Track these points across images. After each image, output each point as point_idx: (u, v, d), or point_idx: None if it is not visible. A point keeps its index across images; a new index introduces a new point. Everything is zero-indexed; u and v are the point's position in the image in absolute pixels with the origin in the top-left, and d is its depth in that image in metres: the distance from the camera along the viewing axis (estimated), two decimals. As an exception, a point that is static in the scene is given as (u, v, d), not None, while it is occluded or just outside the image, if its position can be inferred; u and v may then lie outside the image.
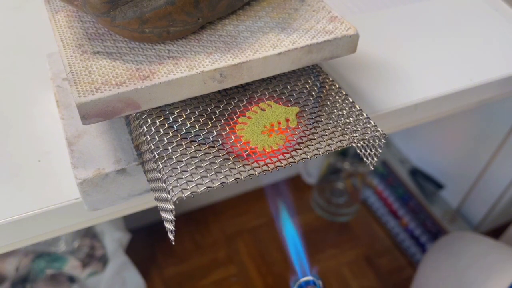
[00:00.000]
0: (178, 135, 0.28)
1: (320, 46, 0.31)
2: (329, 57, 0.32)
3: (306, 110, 0.31)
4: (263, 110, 0.30)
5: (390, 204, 1.01)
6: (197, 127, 0.28)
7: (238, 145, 0.28)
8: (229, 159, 0.27)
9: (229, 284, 0.91)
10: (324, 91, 0.32)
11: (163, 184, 0.25)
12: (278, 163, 0.27)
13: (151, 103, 0.28)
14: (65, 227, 0.34)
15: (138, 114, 0.29)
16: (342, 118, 0.30)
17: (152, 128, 0.28)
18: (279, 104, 0.31)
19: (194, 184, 0.25)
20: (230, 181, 0.26)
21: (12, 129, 0.36)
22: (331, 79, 0.33)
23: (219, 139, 0.28)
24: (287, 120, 0.30)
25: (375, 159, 0.30)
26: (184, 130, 0.28)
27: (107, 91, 0.26)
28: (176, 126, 0.28)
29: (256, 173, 0.26)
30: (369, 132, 0.29)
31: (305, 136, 0.29)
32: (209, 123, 0.29)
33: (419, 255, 0.95)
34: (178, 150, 0.27)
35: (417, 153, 1.00)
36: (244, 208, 1.04)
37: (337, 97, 0.31)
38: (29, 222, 0.31)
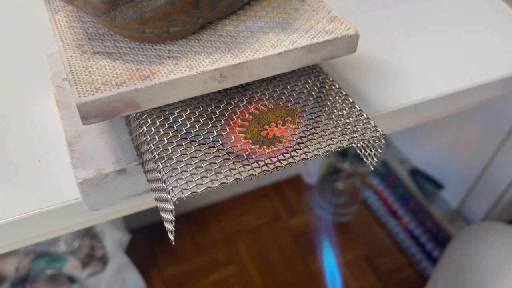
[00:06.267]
0: (178, 135, 0.28)
1: (320, 46, 0.31)
2: (329, 57, 0.32)
3: (306, 110, 0.31)
4: (263, 110, 0.30)
5: (390, 204, 1.01)
6: (197, 127, 0.28)
7: (238, 145, 0.28)
8: (229, 159, 0.27)
9: (229, 284, 0.91)
10: (324, 91, 0.32)
11: (163, 184, 0.25)
12: (278, 163, 0.27)
13: (151, 103, 0.28)
14: (65, 227, 0.34)
15: (138, 114, 0.29)
16: (342, 119, 0.30)
17: (152, 128, 0.28)
18: (279, 104, 0.31)
19: (194, 184, 0.25)
20: (230, 181, 0.26)
21: (12, 129, 0.36)
22: (331, 79, 0.33)
23: (219, 139, 0.28)
24: (287, 120, 0.30)
25: (375, 159, 0.30)
26: (184, 130, 0.28)
27: (107, 91, 0.26)
28: (176, 126, 0.28)
29: (256, 173, 0.26)
30: (369, 132, 0.29)
31: (305, 136, 0.29)
32: (209, 123, 0.29)
33: (419, 255, 0.95)
34: (178, 150, 0.27)
35: (417, 153, 1.00)
36: (244, 208, 1.04)
37: (337, 97, 0.31)
38: (29, 222, 0.31)
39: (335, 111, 0.31)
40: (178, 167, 0.26)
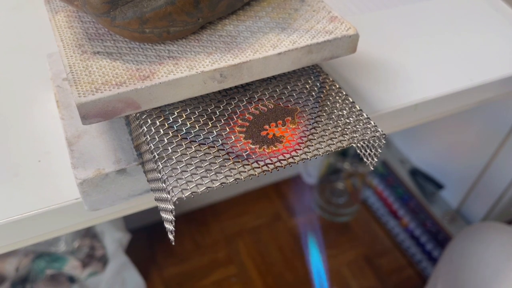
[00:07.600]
0: (178, 135, 0.28)
1: (320, 46, 0.31)
2: (329, 57, 0.32)
3: (306, 110, 0.31)
4: (263, 110, 0.30)
5: (390, 204, 1.01)
6: (197, 127, 0.28)
7: (238, 145, 0.28)
8: (229, 159, 0.27)
9: (229, 284, 0.91)
10: (324, 91, 0.32)
11: (163, 184, 0.25)
12: (278, 163, 0.27)
13: (151, 103, 0.28)
14: (65, 227, 0.34)
15: (138, 114, 0.29)
16: (342, 118, 0.30)
17: (152, 128, 0.28)
18: (279, 104, 0.31)
19: (194, 184, 0.25)
20: (230, 181, 0.26)
21: (12, 129, 0.36)
22: (331, 79, 0.33)
23: (219, 139, 0.28)
24: (287, 120, 0.30)
25: (375, 159, 0.30)
26: (184, 130, 0.28)
27: (107, 91, 0.26)
28: (176, 126, 0.28)
29: (256, 173, 0.26)
30: (369, 132, 0.29)
31: (305, 136, 0.29)
32: (209, 123, 0.29)
33: (419, 255, 0.95)
34: (178, 150, 0.27)
35: (417, 153, 1.00)
36: (244, 208, 1.04)
37: (337, 97, 0.31)
38: (29, 222, 0.31)
39: (335, 111, 0.31)
40: (178, 167, 0.26)
